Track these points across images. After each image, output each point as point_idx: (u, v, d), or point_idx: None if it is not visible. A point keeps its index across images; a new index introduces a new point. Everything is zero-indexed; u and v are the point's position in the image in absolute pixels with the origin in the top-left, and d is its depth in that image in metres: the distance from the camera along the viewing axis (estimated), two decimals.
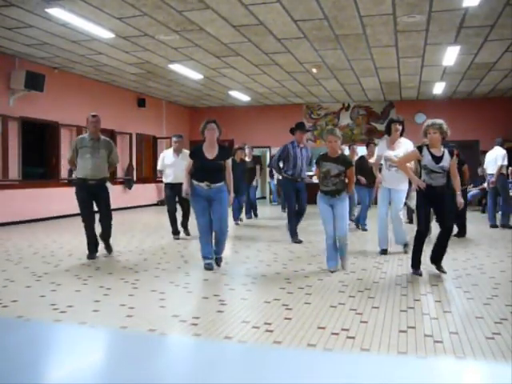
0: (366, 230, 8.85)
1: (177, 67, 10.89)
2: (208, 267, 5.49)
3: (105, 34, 8.19)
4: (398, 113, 15.69)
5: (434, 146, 5.13)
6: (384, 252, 6.49)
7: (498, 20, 7.42)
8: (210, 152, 5.44)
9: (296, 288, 4.71)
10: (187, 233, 8.10)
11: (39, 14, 7.22)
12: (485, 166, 9.80)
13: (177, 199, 7.82)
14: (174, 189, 7.68)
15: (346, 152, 10.00)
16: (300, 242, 7.48)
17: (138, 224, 10.31)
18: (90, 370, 0.54)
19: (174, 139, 8.07)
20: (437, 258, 5.28)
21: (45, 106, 10.69)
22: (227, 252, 6.93)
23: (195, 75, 11.68)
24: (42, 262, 6.04)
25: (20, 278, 5.10)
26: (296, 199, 7.42)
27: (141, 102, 14.35)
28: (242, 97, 14.88)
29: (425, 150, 5.16)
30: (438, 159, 5.10)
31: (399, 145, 6.33)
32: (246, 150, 10.74)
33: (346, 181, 5.47)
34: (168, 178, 7.86)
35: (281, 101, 15.84)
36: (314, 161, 5.91)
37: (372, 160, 8.49)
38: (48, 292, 4.56)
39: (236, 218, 9.92)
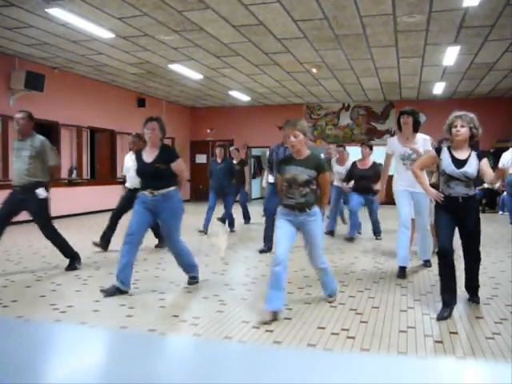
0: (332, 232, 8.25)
1: (177, 67, 10.89)
2: (108, 291, 4.46)
3: (105, 33, 8.19)
4: (397, 113, 15.70)
5: (457, 147, 4.02)
6: (403, 272, 5.25)
7: (498, 20, 7.42)
8: (150, 154, 4.62)
9: (296, 288, 4.71)
10: (103, 245, 6.70)
11: (39, 14, 7.22)
12: (501, 166, 9.66)
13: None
14: (129, 193, 6.49)
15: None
16: (263, 251, 6.67)
17: None
18: (90, 370, 0.54)
19: (129, 139, 6.95)
20: (468, 287, 4.28)
21: (45, 106, 10.69)
22: (227, 252, 6.92)
23: (195, 75, 11.68)
24: (41, 261, 6.04)
25: (20, 278, 5.10)
26: None
27: (141, 102, 14.34)
28: (242, 97, 14.87)
29: (444, 152, 4.06)
30: (460, 163, 3.96)
31: (416, 141, 5.31)
32: (231, 152, 9.76)
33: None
34: (128, 182, 6.82)
35: (281, 101, 15.83)
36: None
37: (365, 165, 7.83)
38: (48, 292, 4.56)
39: (205, 227, 8.66)
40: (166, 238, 4.72)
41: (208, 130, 17.11)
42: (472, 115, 4.02)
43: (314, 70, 11.14)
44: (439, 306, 4.13)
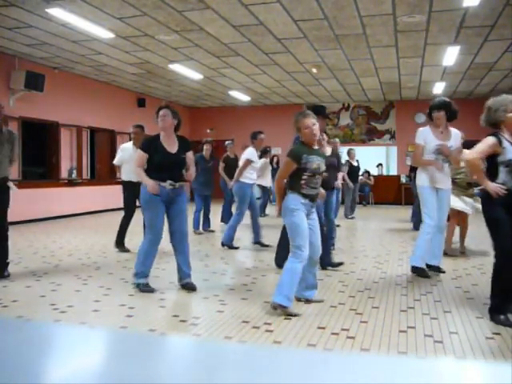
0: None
1: (177, 67, 10.89)
2: (145, 288, 4.56)
3: (105, 33, 8.19)
4: (397, 113, 15.69)
5: None
6: (424, 273, 5.17)
7: (498, 20, 7.42)
8: (171, 144, 4.50)
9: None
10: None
11: (39, 14, 7.22)
12: None
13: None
14: (130, 187, 6.75)
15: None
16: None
17: (138, 224, 10.30)
18: (90, 370, 0.54)
19: (131, 130, 6.92)
20: None
21: (45, 106, 10.69)
22: (227, 252, 6.92)
23: (195, 75, 11.68)
24: (42, 261, 6.04)
25: (20, 278, 5.10)
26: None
27: (141, 102, 14.35)
28: (242, 97, 14.87)
29: (504, 140, 3.62)
30: None
31: (451, 135, 5.11)
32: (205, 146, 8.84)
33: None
34: (123, 174, 6.92)
35: (281, 101, 15.83)
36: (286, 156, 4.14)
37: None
38: (48, 292, 4.56)
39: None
40: (179, 232, 4.58)
41: (208, 130, 17.11)
42: None
43: (314, 70, 11.14)
44: (440, 305, 4.13)
